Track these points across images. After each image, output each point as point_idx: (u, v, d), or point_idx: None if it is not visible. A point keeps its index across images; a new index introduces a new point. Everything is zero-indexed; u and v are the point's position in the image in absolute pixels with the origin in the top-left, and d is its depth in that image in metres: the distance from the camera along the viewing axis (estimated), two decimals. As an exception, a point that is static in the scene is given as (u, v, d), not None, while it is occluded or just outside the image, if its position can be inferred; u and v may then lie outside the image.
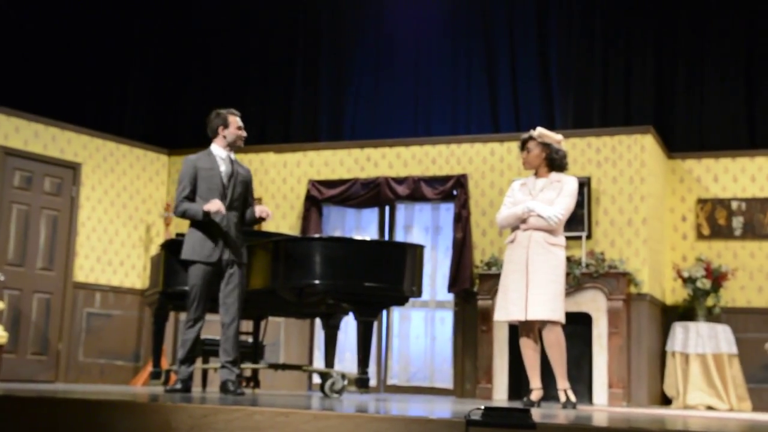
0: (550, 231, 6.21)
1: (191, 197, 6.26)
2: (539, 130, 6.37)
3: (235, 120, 6.39)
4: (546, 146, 6.31)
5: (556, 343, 6.16)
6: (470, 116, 10.61)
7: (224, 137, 6.36)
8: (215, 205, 6.11)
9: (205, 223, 6.20)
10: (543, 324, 6.18)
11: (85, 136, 10.09)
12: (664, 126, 9.89)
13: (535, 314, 6.11)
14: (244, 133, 6.42)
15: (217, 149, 6.36)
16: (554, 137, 6.36)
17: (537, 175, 6.38)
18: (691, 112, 9.99)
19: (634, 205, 9.06)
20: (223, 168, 6.30)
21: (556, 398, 6.29)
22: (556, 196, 6.22)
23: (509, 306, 6.23)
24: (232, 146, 6.39)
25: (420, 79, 10.91)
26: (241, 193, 6.36)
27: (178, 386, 6.31)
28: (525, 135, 6.42)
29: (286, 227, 10.15)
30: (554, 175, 6.32)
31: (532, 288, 6.14)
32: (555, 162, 6.31)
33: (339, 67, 11.19)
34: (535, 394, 6.27)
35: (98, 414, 4.11)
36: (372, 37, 11.19)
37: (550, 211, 6.16)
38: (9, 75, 10.51)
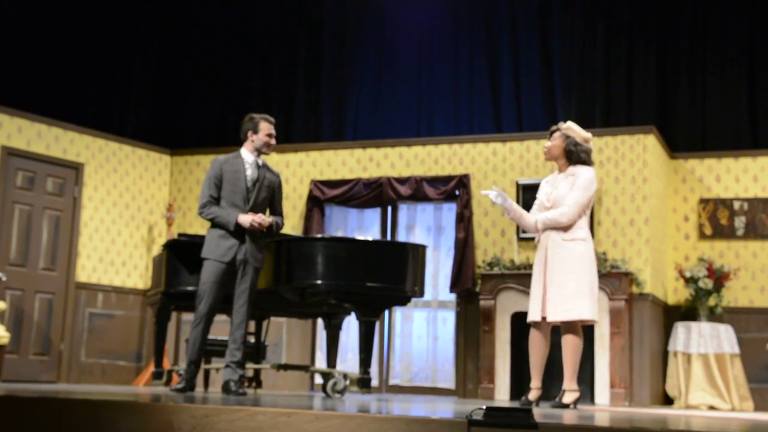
0: (566, 228, 6.15)
1: (216, 199, 6.32)
2: (568, 123, 6.35)
3: (266, 127, 6.42)
4: (566, 137, 6.26)
5: (570, 344, 6.10)
6: (473, 116, 10.61)
7: (252, 142, 6.41)
8: (248, 221, 6.22)
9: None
10: (563, 324, 6.14)
11: (87, 136, 10.09)
12: (666, 126, 9.89)
13: (552, 316, 6.06)
14: (273, 141, 6.44)
15: (246, 153, 6.42)
16: (581, 133, 6.29)
17: (559, 170, 6.35)
18: (694, 112, 9.99)
19: (636, 205, 9.06)
20: (249, 172, 6.35)
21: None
22: (569, 189, 6.19)
23: (532, 307, 6.22)
24: (260, 151, 6.43)
25: (422, 79, 10.91)
26: (265, 198, 6.40)
27: (181, 386, 6.32)
28: (554, 126, 6.40)
29: (288, 227, 10.15)
30: (571, 169, 6.27)
31: (550, 289, 6.10)
32: (572, 155, 6.24)
33: (341, 67, 11.19)
34: (533, 394, 6.26)
35: (100, 414, 4.11)
36: (374, 37, 11.20)
37: (556, 213, 6.13)
38: (12, 75, 10.53)
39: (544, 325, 6.22)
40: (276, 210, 6.49)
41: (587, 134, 6.33)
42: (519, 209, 6.37)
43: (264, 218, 6.29)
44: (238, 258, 6.27)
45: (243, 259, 6.27)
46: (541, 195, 6.34)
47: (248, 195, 6.31)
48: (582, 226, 6.17)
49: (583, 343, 6.19)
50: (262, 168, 6.42)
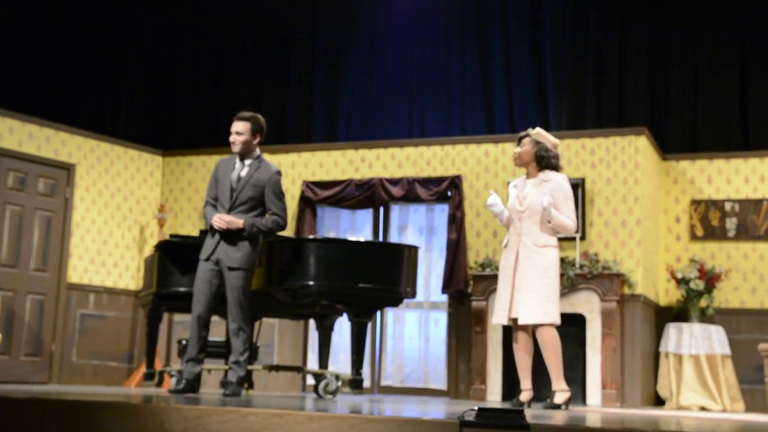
0: (539, 234, 6.24)
1: (215, 199, 6.50)
2: (537, 130, 6.44)
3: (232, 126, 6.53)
4: (537, 143, 6.35)
5: (549, 344, 6.18)
6: (465, 117, 10.62)
7: None
8: (216, 221, 6.35)
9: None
10: (536, 326, 6.22)
11: (79, 137, 10.07)
12: (658, 127, 9.91)
13: (526, 319, 6.15)
14: (230, 138, 6.49)
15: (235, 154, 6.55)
16: (550, 139, 6.40)
17: (528, 175, 6.41)
18: (685, 113, 10.01)
19: (628, 206, 9.08)
20: (235, 172, 6.45)
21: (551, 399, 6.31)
22: (550, 197, 6.24)
23: (498, 311, 6.30)
24: (235, 150, 6.51)
25: (414, 79, 10.91)
26: (250, 197, 6.41)
27: (181, 386, 6.37)
28: (522, 132, 6.48)
29: (280, 228, 10.13)
30: (542, 175, 6.34)
31: (522, 292, 6.18)
32: (543, 160, 6.34)
33: (333, 68, 11.19)
34: (525, 395, 6.32)
35: (91, 415, 4.10)
36: (366, 38, 11.19)
37: (568, 221, 6.24)
38: (3, 76, 10.51)
39: (521, 328, 6.29)
40: (269, 209, 6.46)
41: (556, 140, 6.46)
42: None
43: (232, 219, 6.32)
44: (219, 258, 6.36)
45: (217, 258, 6.36)
46: (512, 199, 6.40)
47: (232, 194, 6.40)
48: (554, 233, 6.29)
49: (559, 341, 6.24)
50: (252, 167, 6.44)
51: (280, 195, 6.49)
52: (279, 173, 6.54)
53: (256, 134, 6.48)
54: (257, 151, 6.53)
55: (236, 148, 6.45)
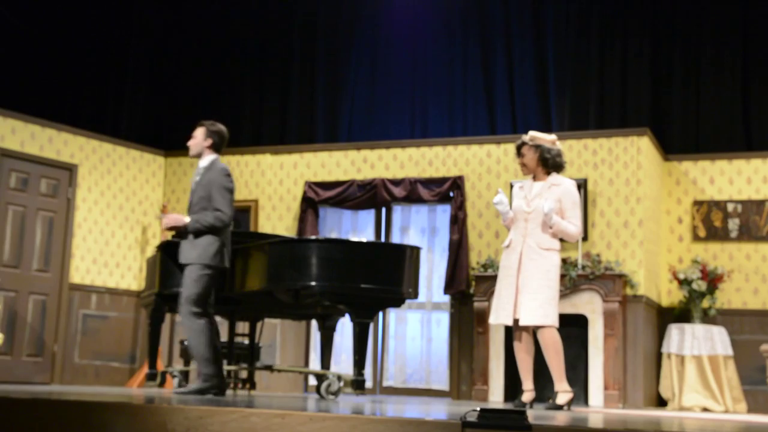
0: (544, 237, 6.25)
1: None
2: (531, 134, 6.44)
3: None
4: (537, 147, 6.35)
5: (551, 345, 6.19)
6: (467, 118, 10.62)
7: None
8: (161, 222, 6.63)
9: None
10: (536, 328, 6.23)
11: (81, 137, 10.08)
12: (660, 128, 9.91)
13: (526, 320, 6.16)
14: (189, 143, 6.64)
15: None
16: (547, 138, 6.40)
17: (535, 178, 6.41)
18: (688, 114, 10.01)
19: (630, 207, 9.07)
20: (194, 178, 6.61)
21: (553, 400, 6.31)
22: (554, 201, 6.25)
23: (499, 311, 6.30)
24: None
25: (416, 80, 10.92)
26: (201, 197, 6.48)
27: (192, 388, 6.46)
28: (518, 141, 6.47)
29: (282, 229, 10.15)
30: (551, 178, 6.36)
31: (524, 294, 6.19)
32: (548, 161, 6.35)
33: (335, 69, 11.19)
34: (526, 396, 6.33)
35: (94, 416, 4.10)
36: (368, 39, 11.20)
37: (572, 227, 6.27)
38: (6, 76, 10.52)
39: (522, 329, 6.30)
40: (213, 205, 6.40)
41: (552, 136, 6.47)
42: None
43: (177, 217, 6.46)
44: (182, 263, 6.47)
45: (183, 263, 6.46)
46: (518, 201, 6.40)
47: (190, 198, 6.51)
48: (557, 237, 6.29)
49: (560, 342, 6.25)
50: (206, 169, 6.54)
51: (223, 191, 6.42)
52: (225, 170, 6.53)
53: (208, 138, 6.57)
54: (212, 154, 6.58)
55: (190, 151, 6.65)
